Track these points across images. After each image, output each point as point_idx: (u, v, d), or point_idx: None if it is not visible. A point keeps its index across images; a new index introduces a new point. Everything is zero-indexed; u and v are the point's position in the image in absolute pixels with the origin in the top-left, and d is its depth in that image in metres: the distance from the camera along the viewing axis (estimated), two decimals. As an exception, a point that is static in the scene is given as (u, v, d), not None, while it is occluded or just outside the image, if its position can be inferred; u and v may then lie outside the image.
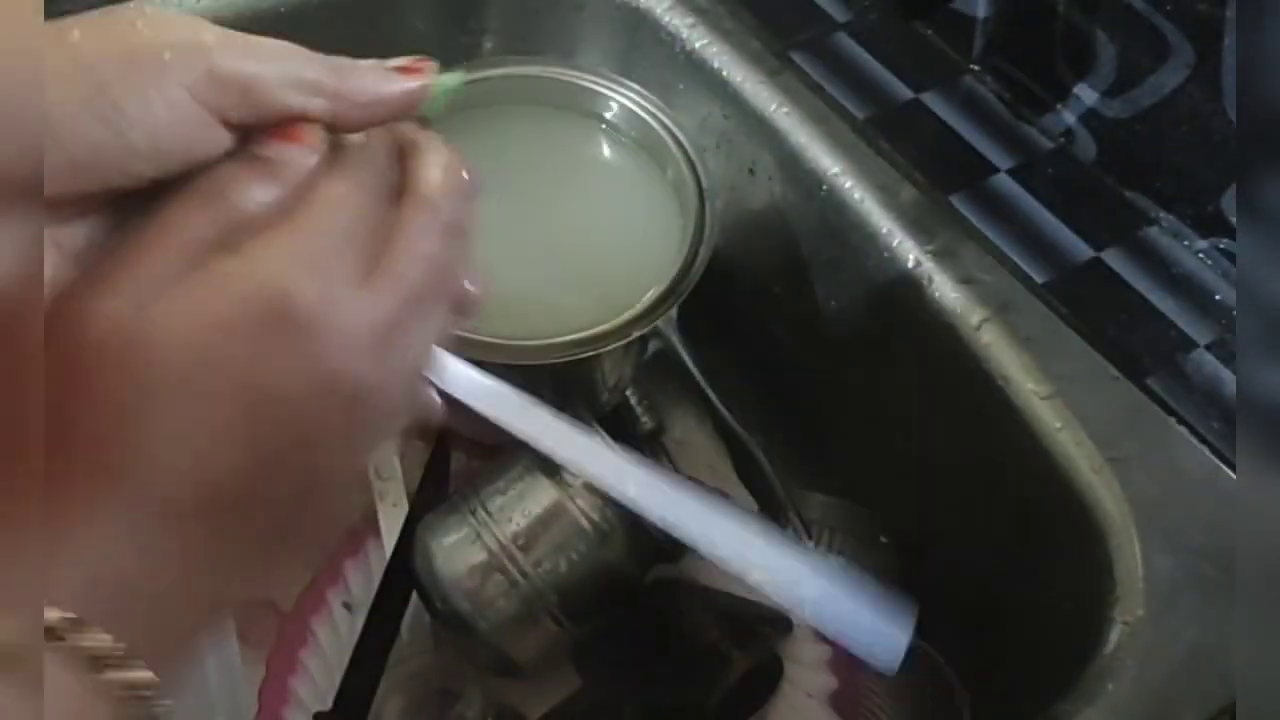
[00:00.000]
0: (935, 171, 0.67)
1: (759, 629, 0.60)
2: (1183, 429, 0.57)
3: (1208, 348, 0.60)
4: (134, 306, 0.28)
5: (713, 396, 0.73)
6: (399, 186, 0.33)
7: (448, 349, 0.35)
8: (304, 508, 0.31)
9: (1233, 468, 0.56)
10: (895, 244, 0.64)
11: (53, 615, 0.26)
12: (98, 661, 0.26)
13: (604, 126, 0.67)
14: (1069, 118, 0.69)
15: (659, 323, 0.58)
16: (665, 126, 0.65)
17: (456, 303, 0.35)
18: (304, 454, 0.30)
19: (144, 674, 0.27)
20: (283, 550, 0.31)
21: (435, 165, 0.34)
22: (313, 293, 0.29)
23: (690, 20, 0.75)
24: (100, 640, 0.26)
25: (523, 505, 0.57)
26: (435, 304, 0.33)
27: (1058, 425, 0.57)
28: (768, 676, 0.60)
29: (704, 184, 0.62)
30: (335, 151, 0.32)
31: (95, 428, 0.27)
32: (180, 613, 0.29)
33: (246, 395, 0.28)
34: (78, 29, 0.30)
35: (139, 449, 0.27)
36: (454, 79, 0.35)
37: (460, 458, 0.65)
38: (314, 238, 0.30)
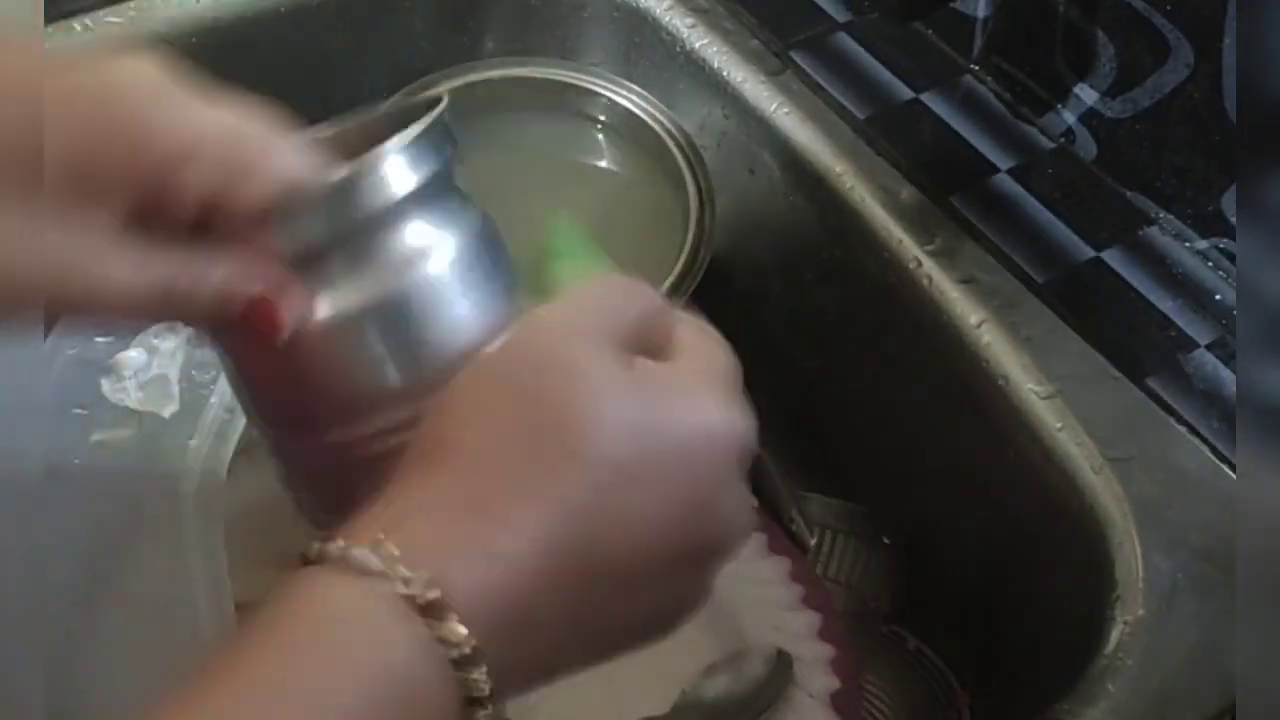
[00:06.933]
0: (935, 171, 0.67)
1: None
2: (1183, 429, 0.57)
3: (1208, 347, 0.60)
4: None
5: (713, 397, 0.73)
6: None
7: None
8: (662, 595, 0.34)
9: (1233, 467, 0.56)
10: (895, 244, 0.64)
11: (433, 594, 0.29)
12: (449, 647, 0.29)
13: (604, 127, 0.67)
14: (1069, 117, 0.69)
15: (659, 323, 0.58)
16: (665, 127, 0.65)
17: None
18: (681, 548, 0.33)
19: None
20: (630, 633, 0.34)
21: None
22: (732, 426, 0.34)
23: (690, 20, 0.75)
24: (457, 632, 0.29)
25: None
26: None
27: (1058, 425, 0.57)
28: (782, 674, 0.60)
29: (704, 184, 0.62)
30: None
31: (525, 455, 0.32)
32: (535, 648, 0.32)
33: (664, 480, 0.32)
34: None
35: (550, 483, 0.31)
36: None
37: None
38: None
